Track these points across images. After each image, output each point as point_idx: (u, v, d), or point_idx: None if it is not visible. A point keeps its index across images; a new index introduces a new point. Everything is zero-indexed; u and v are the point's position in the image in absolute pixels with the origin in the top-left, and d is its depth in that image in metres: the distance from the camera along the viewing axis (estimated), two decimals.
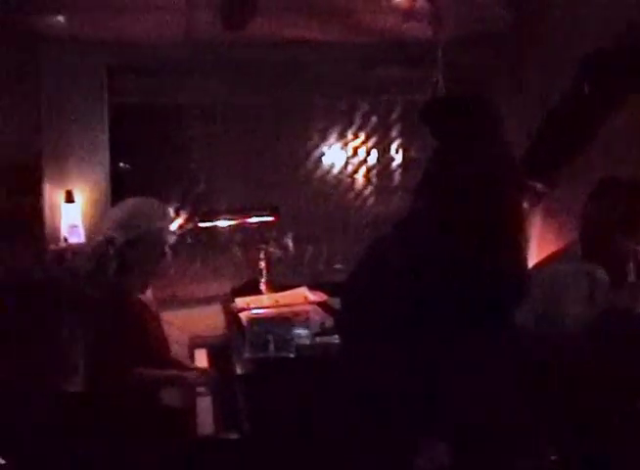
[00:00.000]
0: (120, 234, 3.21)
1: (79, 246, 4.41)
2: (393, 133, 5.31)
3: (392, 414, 2.05)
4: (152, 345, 3.26)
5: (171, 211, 3.47)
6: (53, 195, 4.65)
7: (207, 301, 4.70)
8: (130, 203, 3.32)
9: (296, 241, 5.16)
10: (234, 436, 2.98)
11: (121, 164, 4.84)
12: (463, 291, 2.04)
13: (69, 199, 4.57)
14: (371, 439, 2.10)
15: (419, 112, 2.27)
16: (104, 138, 4.72)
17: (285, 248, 5.12)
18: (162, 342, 3.43)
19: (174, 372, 3.35)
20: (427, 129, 2.28)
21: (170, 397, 3.38)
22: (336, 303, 3.51)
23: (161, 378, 3.28)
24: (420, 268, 2.05)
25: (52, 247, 4.51)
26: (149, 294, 3.44)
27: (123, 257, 3.24)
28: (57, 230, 4.56)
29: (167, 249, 3.37)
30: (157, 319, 3.44)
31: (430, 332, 2.03)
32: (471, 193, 2.11)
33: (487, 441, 2.06)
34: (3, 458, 3.55)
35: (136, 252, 3.25)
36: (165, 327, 3.78)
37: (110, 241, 3.24)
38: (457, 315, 2.03)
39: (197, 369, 3.68)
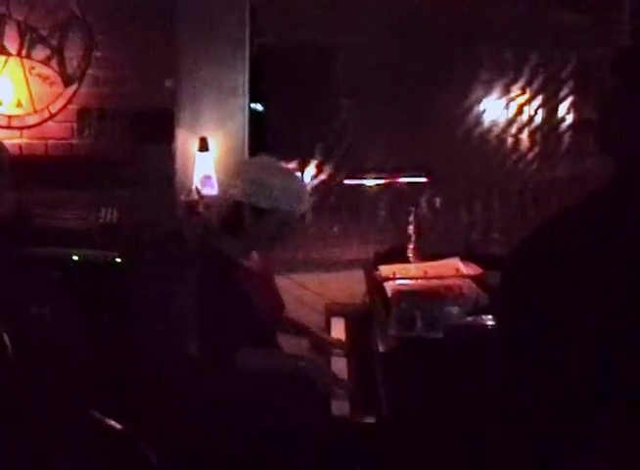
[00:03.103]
0: (251, 198, 3.09)
1: (213, 198, 4.32)
2: (565, 91, 4.95)
3: (546, 418, 1.74)
4: (253, 316, 3.12)
5: (308, 197, 3.34)
6: (186, 142, 4.52)
7: (348, 265, 4.53)
8: (275, 171, 3.17)
9: (449, 205, 4.94)
10: (370, 420, 2.81)
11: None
12: None
13: (203, 147, 4.41)
14: (521, 437, 1.78)
15: (614, 62, 1.85)
16: (243, 82, 4.56)
17: (437, 212, 4.92)
18: (272, 310, 3.32)
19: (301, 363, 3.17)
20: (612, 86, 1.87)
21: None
22: (492, 277, 3.30)
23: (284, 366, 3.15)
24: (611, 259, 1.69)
25: (183, 198, 4.40)
26: (255, 256, 3.31)
27: (241, 222, 3.14)
28: (189, 181, 4.45)
29: (288, 232, 3.27)
30: (263, 287, 3.32)
31: (604, 333, 1.68)
32: None
33: None
34: (119, 423, 3.50)
35: (258, 221, 3.13)
36: (300, 292, 3.92)
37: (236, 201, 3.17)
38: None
39: (330, 339, 3.64)
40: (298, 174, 3.31)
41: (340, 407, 2.95)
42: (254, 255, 3.29)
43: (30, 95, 4.40)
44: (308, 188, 3.32)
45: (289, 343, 3.47)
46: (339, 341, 3.61)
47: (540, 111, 4.97)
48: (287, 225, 3.18)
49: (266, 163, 3.22)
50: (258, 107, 4.73)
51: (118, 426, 3.48)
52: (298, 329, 3.57)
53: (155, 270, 4.09)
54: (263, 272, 3.33)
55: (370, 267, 3.95)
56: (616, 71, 1.84)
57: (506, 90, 4.92)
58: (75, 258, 4.05)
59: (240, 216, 3.13)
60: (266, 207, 3.07)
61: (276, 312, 3.36)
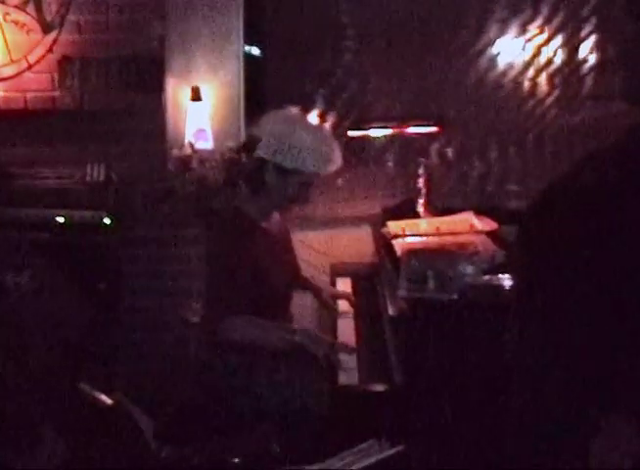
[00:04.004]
0: (276, 156, 2.96)
1: (208, 152, 4.22)
2: (587, 29, 4.76)
3: (570, 379, 1.70)
4: (264, 283, 3.02)
5: (339, 157, 3.15)
6: (177, 92, 4.40)
7: (354, 222, 4.51)
8: (304, 128, 3.03)
9: (462, 156, 4.84)
10: (380, 388, 2.77)
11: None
12: None
13: (196, 97, 4.29)
14: (541, 402, 1.76)
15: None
16: (238, 25, 4.43)
17: (449, 163, 4.82)
18: (288, 273, 3.25)
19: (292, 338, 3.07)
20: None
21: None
22: (508, 232, 3.29)
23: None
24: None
25: (175, 152, 4.27)
26: (276, 217, 3.24)
27: (262, 180, 3.02)
28: (181, 134, 4.33)
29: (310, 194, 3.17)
30: (281, 248, 3.25)
31: (624, 287, 1.63)
32: None
33: None
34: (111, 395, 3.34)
35: (280, 181, 3.01)
36: (303, 251, 3.81)
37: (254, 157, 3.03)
38: None
39: (338, 294, 3.69)
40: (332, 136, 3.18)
41: (348, 376, 2.89)
42: (276, 215, 3.22)
43: (6, 44, 4.31)
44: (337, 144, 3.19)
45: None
46: (345, 293, 3.65)
47: (560, 51, 4.81)
48: (310, 187, 3.09)
49: (293, 117, 3.09)
50: (255, 51, 4.64)
51: (109, 401, 3.32)
52: (306, 286, 3.53)
53: (147, 231, 4.09)
54: (283, 235, 3.27)
55: (378, 224, 3.94)
56: (632, 12, 1.76)
57: (523, 29, 4.77)
58: (60, 219, 4.02)
59: (261, 174, 3.02)
60: (291, 167, 2.95)
61: (291, 279, 3.29)
